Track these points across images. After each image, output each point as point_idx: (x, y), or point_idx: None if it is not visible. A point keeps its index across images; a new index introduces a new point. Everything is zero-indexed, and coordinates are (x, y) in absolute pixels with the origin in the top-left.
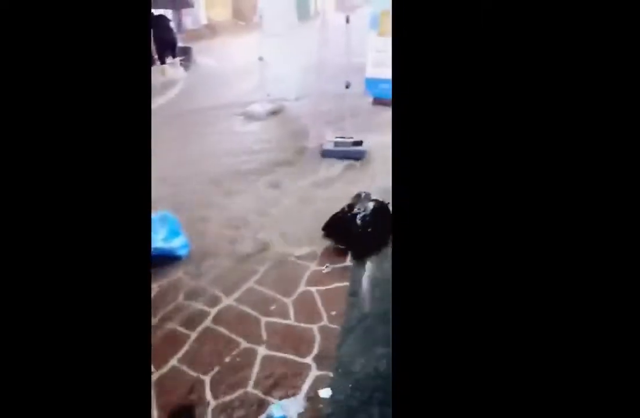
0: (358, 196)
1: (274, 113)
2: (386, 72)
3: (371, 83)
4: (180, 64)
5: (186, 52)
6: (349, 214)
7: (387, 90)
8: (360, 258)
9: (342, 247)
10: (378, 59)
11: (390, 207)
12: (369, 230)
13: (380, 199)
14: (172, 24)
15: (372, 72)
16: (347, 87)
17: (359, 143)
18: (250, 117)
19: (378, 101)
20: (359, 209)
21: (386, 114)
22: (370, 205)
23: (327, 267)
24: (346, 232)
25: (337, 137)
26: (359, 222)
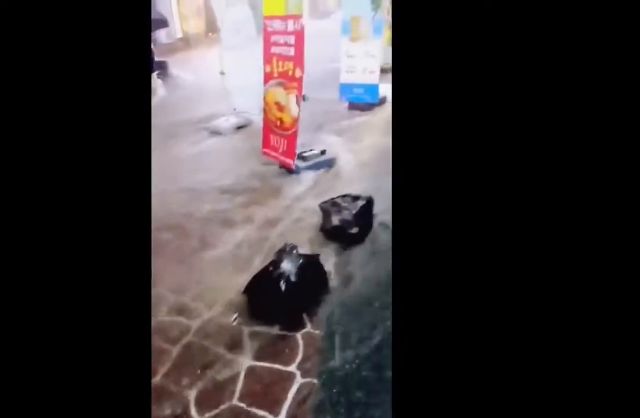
0: (282, 251)
1: (240, 127)
2: (359, 77)
3: (345, 88)
4: (158, 78)
5: (162, 67)
6: (274, 274)
7: (361, 94)
8: (289, 329)
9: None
10: (351, 64)
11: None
12: (296, 293)
13: (311, 252)
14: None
15: (345, 77)
16: (303, 100)
17: (324, 152)
18: (215, 132)
19: (353, 105)
20: (284, 267)
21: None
22: (298, 261)
23: (235, 318)
24: (269, 298)
25: (302, 153)
26: (283, 286)
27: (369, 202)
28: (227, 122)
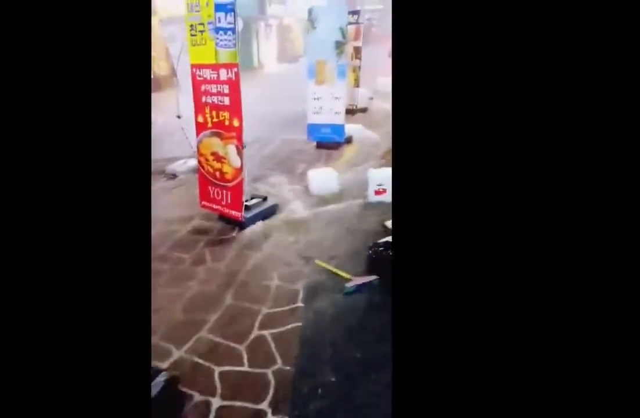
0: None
1: (195, 171)
2: (326, 118)
3: (313, 128)
4: None
5: None
6: None
7: (328, 134)
8: None
9: None
10: (317, 106)
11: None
12: None
13: None
14: None
15: (313, 119)
16: (242, 147)
17: (266, 199)
18: (172, 175)
19: (321, 145)
20: None
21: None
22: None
23: None
24: None
25: (245, 202)
26: None
27: (170, 381)
28: (184, 165)
